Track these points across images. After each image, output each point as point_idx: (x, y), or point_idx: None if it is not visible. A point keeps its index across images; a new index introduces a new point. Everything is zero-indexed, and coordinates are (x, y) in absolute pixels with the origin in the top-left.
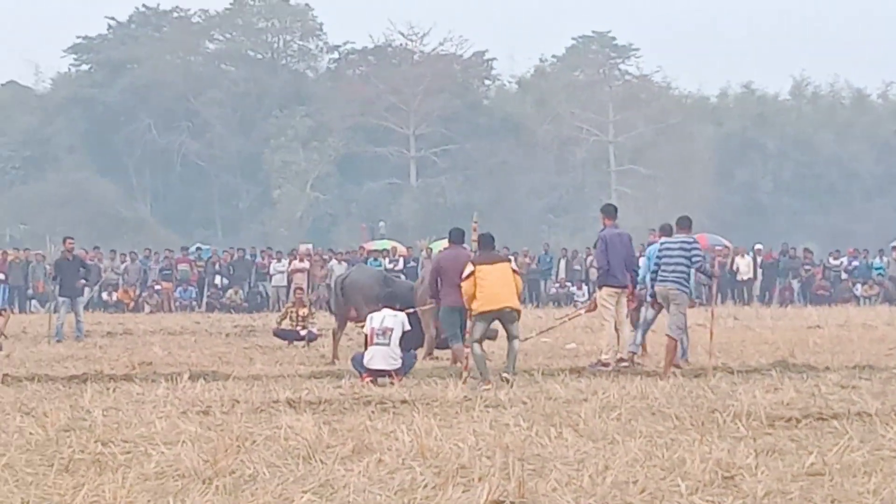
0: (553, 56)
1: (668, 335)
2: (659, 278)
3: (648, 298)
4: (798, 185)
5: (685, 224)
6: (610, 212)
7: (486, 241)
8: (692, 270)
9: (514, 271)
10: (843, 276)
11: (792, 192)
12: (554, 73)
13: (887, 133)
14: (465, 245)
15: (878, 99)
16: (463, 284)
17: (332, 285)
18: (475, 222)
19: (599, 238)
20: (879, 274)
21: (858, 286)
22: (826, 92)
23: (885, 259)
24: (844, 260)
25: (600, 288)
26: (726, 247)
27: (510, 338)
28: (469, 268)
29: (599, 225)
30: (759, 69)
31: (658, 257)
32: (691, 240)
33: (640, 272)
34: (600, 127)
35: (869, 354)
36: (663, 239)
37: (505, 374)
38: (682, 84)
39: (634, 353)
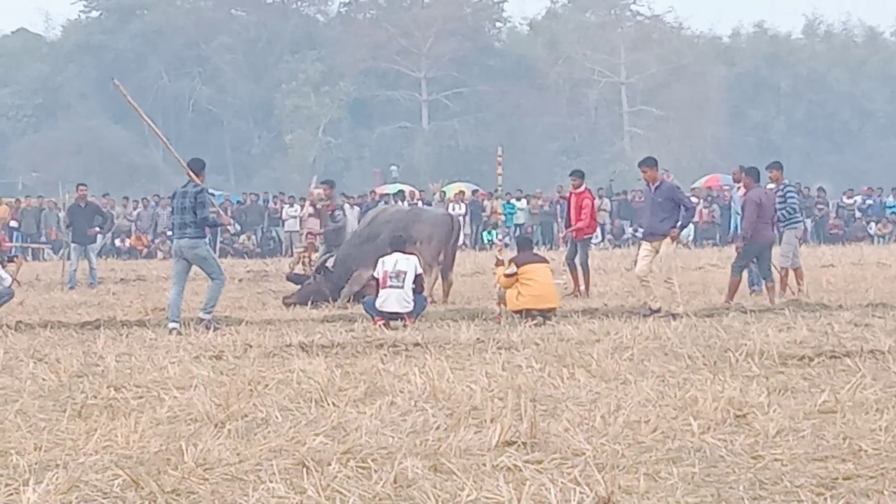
0: None
1: (780, 266)
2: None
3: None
4: (811, 125)
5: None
6: (650, 164)
7: (524, 244)
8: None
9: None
10: (857, 214)
11: (805, 131)
12: (565, 14)
13: None
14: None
15: (892, 37)
16: (503, 281)
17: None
18: (500, 156)
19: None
20: (893, 212)
21: (872, 225)
22: (839, 30)
23: None
24: (858, 199)
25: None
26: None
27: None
28: (512, 268)
29: (612, 166)
30: (772, 8)
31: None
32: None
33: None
34: (612, 68)
35: (882, 293)
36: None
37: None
38: (693, 24)
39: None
